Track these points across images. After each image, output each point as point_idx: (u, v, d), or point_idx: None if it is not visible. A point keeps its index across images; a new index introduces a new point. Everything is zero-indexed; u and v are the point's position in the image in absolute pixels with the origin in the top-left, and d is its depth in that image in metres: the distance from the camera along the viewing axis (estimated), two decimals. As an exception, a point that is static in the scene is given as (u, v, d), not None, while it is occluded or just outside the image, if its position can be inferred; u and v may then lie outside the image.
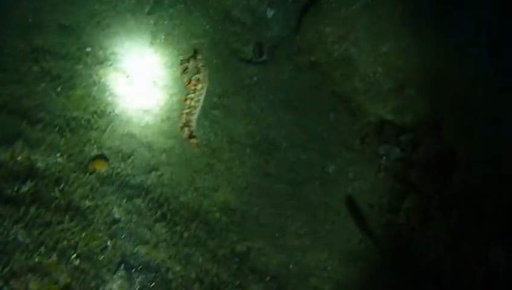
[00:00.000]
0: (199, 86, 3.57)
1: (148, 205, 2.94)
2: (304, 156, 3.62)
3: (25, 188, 2.55)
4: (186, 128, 3.28)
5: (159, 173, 3.21)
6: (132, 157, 3.20)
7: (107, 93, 3.66)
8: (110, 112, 3.46)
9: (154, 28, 4.31)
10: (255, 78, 3.98)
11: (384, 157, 3.41)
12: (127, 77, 3.88)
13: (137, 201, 2.88)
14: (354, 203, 3.28)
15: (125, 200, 2.84)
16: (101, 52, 4.02)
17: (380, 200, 3.53)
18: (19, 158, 2.69)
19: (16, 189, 2.55)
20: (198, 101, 3.45)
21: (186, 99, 3.51)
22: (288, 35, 4.27)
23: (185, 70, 3.66)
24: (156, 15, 4.39)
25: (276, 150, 3.58)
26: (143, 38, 4.24)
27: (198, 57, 3.78)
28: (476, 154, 2.68)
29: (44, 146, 2.93)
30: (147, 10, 4.41)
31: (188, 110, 3.40)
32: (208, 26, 4.29)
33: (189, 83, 3.62)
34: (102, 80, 3.78)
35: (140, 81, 3.91)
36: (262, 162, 3.50)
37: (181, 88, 3.78)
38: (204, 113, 3.65)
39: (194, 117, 3.38)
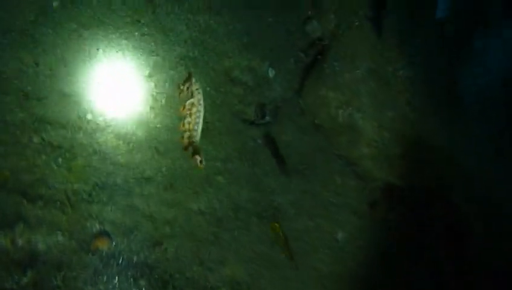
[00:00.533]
0: (194, 110, 3.50)
1: (152, 285, 2.82)
2: (312, 224, 3.54)
3: (25, 279, 2.43)
4: (190, 148, 3.17)
5: (163, 247, 3.10)
6: (135, 231, 3.10)
7: (108, 162, 3.60)
8: (111, 183, 3.38)
9: (155, 90, 4.30)
10: (259, 141, 3.95)
11: (394, 224, 3.34)
12: (128, 143, 3.82)
13: (142, 282, 2.76)
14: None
15: (129, 283, 2.71)
16: (101, 119, 3.98)
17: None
18: (20, 243, 2.59)
19: (16, 280, 2.43)
20: (196, 124, 3.37)
21: (183, 124, 3.43)
22: (290, 96, 4.29)
23: (180, 94, 3.59)
24: (156, 77, 4.39)
25: (282, 217, 3.50)
26: (144, 102, 4.22)
27: (193, 80, 3.73)
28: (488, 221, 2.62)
29: (46, 225, 2.83)
30: (147, 73, 4.41)
31: (188, 134, 3.31)
32: (209, 88, 4.30)
33: (183, 108, 3.52)
34: (103, 148, 3.71)
35: (141, 147, 3.85)
36: (268, 230, 3.41)
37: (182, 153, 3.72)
38: (208, 180, 3.59)
39: (196, 135, 3.25)
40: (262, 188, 3.69)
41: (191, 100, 3.62)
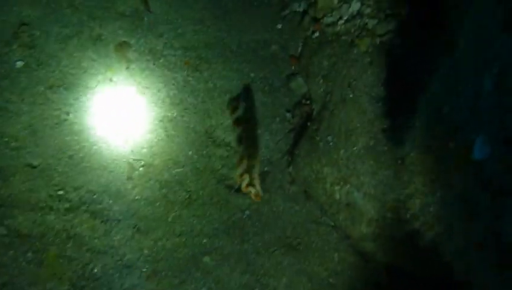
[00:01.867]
0: (251, 124, 3.30)
1: None
2: (311, 311, 3.32)
3: None
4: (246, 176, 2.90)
5: None
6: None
7: (84, 249, 3.30)
8: (88, 275, 3.08)
9: (132, 157, 4.02)
10: (247, 212, 3.72)
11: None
12: (105, 222, 3.53)
13: None
14: None
15: None
16: (74, 195, 3.68)
17: None
18: None
19: None
20: (254, 139, 3.12)
21: (240, 139, 3.11)
22: (278, 160, 4.10)
23: (234, 110, 3.35)
24: (133, 142, 4.12)
25: (278, 303, 3.28)
26: (120, 171, 3.93)
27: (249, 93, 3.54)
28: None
29: None
30: (123, 137, 4.13)
31: (246, 153, 3.00)
32: (190, 152, 4.07)
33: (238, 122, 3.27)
34: (78, 231, 3.41)
35: (120, 226, 3.56)
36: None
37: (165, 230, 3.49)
38: (195, 262, 3.34)
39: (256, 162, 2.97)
40: (253, 269, 3.45)
41: (241, 134, 3.35)
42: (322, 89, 3.76)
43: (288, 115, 4.34)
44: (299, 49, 4.39)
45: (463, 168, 1.61)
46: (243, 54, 4.54)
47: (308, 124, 3.86)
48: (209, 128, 4.32)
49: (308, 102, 4.20)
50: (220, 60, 4.48)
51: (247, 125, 3.38)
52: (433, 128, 2.01)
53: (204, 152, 4.23)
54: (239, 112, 3.48)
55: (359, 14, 3.57)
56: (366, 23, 3.45)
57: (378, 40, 3.35)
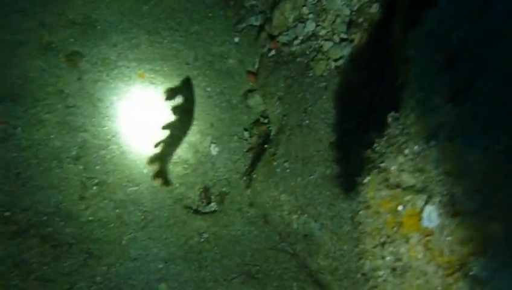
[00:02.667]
0: (186, 117, 3.32)
1: None
2: None
3: None
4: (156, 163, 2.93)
5: None
6: None
7: (32, 277, 3.19)
8: (38, 307, 2.99)
9: (85, 175, 3.89)
10: (205, 235, 3.69)
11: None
12: (55, 247, 3.41)
13: None
14: None
15: None
16: (22, 216, 3.54)
17: None
18: None
19: None
20: (182, 132, 3.13)
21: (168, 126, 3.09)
22: (236, 180, 4.07)
23: (169, 97, 3.33)
24: (86, 159, 3.98)
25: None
26: (71, 190, 3.80)
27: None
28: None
29: None
30: (74, 154, 3.98)
31: (167, 141, 3.01)
32: (146, 170, 3.95)
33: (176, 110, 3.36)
34: (26, 257, 3.27)
35: (71, 251, 3.45)
36: None
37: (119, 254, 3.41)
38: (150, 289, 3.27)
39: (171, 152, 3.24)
40: (212, 298, 3.43)
41: (173, 122, 3.30)
42: (278, 111, 3.76)
43: (246, 133, 4.33)
44: (256, 65, 4.36)
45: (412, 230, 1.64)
46: (199, 67, 4.46)
47: (266, 145, 3.84)
48: (165, 144, 4.23)
49: (266, 121, 4.19)
50: (175, 74, 4.38)
51: (181, 116, 3.36)
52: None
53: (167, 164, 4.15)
54: (177, 101, 3.45)
55: (314, 35, 3.58)
56: (321, 46, 3.47)
57: (333, 65, 3.38)
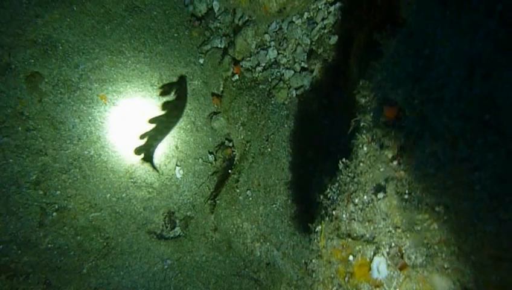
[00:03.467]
0: (174, 113, 3.30)
1: None
2: None
3: None
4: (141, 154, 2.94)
5: None
6: None
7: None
8: None
9: (45, 201, 3.77)
10: (169, 262, 3.62)
11: None
12: (11, 278, 3.28)
13: None
14: None
15: None
16: (-21, 246, 3.39)
17: None
18: None
19: None
20: (167, 128, 3.12)
21: (155, 120, 3.35)
22: (201, 204, 4.02)
23: (163, 93, 3.64)
24: (46, 184, 3.86)
25: None
26: (30, 217, 3.67)
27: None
28: None
29: None
30: (34, 178, 3.86)
31: (151, 134, 3.26)
32: (109, 195, 3.89)
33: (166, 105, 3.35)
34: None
35: (28, 281, 3.33)
36: None
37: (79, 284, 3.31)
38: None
39: (155, 144, 3.23)
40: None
41: (160, 116, 3.24)
42: (242, 136, 3.75)
43: (211, 157, 4.30)
44: (221, 88, 4.33)
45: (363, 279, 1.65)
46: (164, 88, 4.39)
47: (230, 171, 3.81)
48: (129, 168, 4.16)
49: (231, 144, 4.16)
50: (140, 95, 4.30)
51: (169, 112, 3.34)
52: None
53: (124, 194, 4.07)
54: (170, 96, 3.46)
55: (276, 63, 3.59)
56: (283, 74, 3.48)
57: (294, 93, 3.39)
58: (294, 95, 3.40)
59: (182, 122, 4.41)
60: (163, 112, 3.51)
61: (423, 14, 1.59)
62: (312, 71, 3.30)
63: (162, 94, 3.79)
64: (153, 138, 3.24)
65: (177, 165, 4.27)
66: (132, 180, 4.15)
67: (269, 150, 3.32)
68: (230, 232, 3.48)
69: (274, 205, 3.19)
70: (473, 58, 1.36)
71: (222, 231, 3.62)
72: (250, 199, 3.35)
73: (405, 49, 1.61)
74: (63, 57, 4.30)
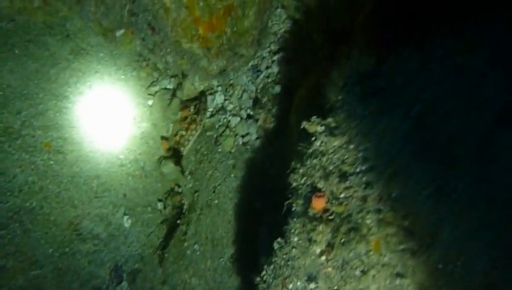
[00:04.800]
0: (193, 126, 2.97)
1: None
2: None
3: None
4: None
5: None
6: None
7: None
8: None
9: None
10: (114, 321, 3.35)
11: None
12: None
13: None
14: None
15: None
16: None
17: None
18: None
19: None
20: (188, 141, 3.26)
21: (176, 135, 3.30)
22: (149, 255, 3.77)
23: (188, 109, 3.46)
24: (-18, 241, 3.53)
25: None
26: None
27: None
28: None
29: None
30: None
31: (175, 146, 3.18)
32: (51, 250, 3.59)
33: (184, 120, 3.12)
34: None
35: None
36: None
37: None
38: None
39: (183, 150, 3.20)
40: None
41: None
42: (190, 185, 3.58)
43: (160, 204, 4.07)
44: (170, 131, 4.15)
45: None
46: (111, 133, 4.17)
47: (179, 221, 3.60)
48: (74, 219, 3.89)
49: (180, 190, 3.95)
50: (86, 141, 4.06)
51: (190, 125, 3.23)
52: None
53: (68, 249, 3.79)
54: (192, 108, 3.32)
55: (223, 109, 3.46)
56: (229, 121, 3.34)
57: (240, 141, 3.26)
58: (241, 143, 3.28)
59: (130, 168, 4.19)
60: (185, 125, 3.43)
61: (347, 108, 1.57)
62: (257, 120, 3.18)
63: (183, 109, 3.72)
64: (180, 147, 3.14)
65: (125, 214, 4.03)
66: (77, 232, 3.88)
67: (216, 201, 3.16)
68: (179, 287, 3.25)
69: (221, 259, 3.01)
70: (393, 159, 1.34)
71: (170, 285, 3.40)
72: (198, 253, 3.16)
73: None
74: (4, 103, 4.04)
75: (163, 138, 4.30)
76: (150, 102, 4.33)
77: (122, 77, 4.35)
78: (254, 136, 3.20)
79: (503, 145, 1.27)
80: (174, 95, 4.11)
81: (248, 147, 3.22)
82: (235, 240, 3.06)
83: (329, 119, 1.64)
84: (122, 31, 3.25)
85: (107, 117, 4.26)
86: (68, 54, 4.23)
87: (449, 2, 1.98)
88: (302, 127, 1.71)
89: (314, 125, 1.66)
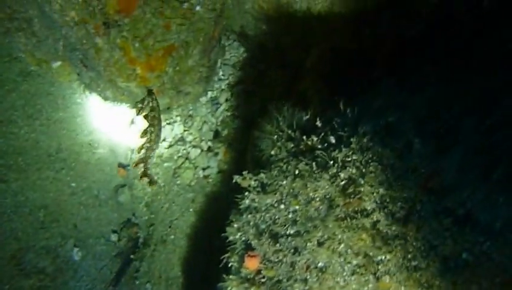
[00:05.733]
0: (156, 122, 2.90)
1: None
2: None
3: None
4: (141, 165, 2.78)
5: None
6: None
7: None
8: None
9: None
10: None
11: None
12: None
13: None
14: None
15: None
16: None
17: None
18: None
19: None
20: (157, 136, 2.88)
21: (145, 132, 2.85)
22: (103, 291, 3.46)
23: (139, 111, 2.86)
24: None
25: None
26: None
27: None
28: None
29: None
30: None
31: (147, 145, 2.84)
32: (-5, 290, 3.20)
33: (141, 148, 2.83)
34: None
35: None
36: None
37: None
38: None
39: (152, 154, 2.89)
40: None
41: (153, 113, 2.84)
42: (146, 218, 3.37)
43: (114, 236, 3.78)
44: (129, 158, 3.91)
45: None
46: (63, 159, 3.88)
47: (132, 256, 3.35)
48: (17, 252, 3.54)
49: (137, 221, 3.69)
50: (34, 168, 3.75)
51: (152, 122, 2.99)
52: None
53: (8, 286, 3.42)
54: (146, 110, 3.06)
55: (182, 139, 3.28)
56: (189, 152, 3.17)
57: (201, 174, 3.08)
58: (202, 176, 3.10)
59: (82, 197, 3.90)
60: (148, 124, 3.14)
61: (279, 165, 1.53)
62: (217, 154, 3.03)
63: (138, 112, 3.42)
64: (149, 150, 2.86)
65: (75, 246, 3.72)
66: (19, 267, 3.52)
67: (172, 237, 2.96)
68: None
69: (175, 303, 2.79)
70: (320, 225, 1.37)
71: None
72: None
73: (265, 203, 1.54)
74: None
75: (120, 165, 4.04)
76: (109, 127, 4.06)
77: (79, 100, 4.07)
78: (215, 170, 3.04)
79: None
80: (132, 121, 3.89)
81: (210, 180, 3.05)
82: (191, 280, 2.84)
83: (262, 175, 1.59)
84: (58, 63, 3.05)
85: (58, 142, 3.96)
86: (16, 76, 3.92)
87: (386, 60, 2.01)
88: (234, 181, 1.67)
89: (246, 181, 1.61)
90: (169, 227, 3.03)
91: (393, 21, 2.07)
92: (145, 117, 3.49)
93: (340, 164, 1.40)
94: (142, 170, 2.98)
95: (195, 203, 3.04)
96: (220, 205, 2.94)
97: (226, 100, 3.17)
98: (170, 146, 3.39)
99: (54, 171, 3.89)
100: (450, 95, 1.49)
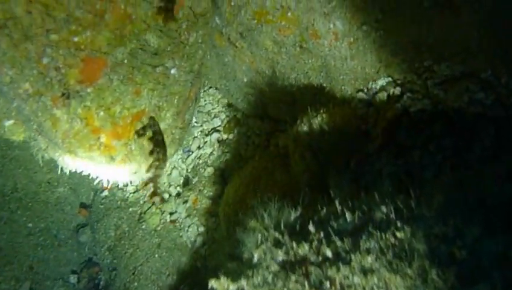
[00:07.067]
0: (161, 144, 2.69)
1: None
2: None
3: None
4: (151, 184, 2.46)
5: None
6: None
7: None
8: None
9: None
10: None
11: None
12: None
13: None
14: None
15: None
16: None
17: None
18: None
19: None
20: (164, 154, 2.61)
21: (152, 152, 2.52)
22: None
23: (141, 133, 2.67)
24: None
25: None
26: None
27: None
28: None
29: None
30: None
31: (156, 164, 2.51)
32: None
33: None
34: None
35: None
36: None
37: None
38: None
39: (161, 173, 2.60)
40: None
41: (153, 148, 2.63)
42: (108, 261, 3.26)
43: (73, 277, 3.61)
44: (91, 198, 3.78)
45: None
46: (19, 199, 3.67)
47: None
48: None
49: (98, 261, 3.55)
50: (-13, 205, 3.52)
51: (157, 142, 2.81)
52: None
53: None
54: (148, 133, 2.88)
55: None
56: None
57: (168, 218, 3.05)
58: (168, 221, 3.06)
59: (40, 237, 3.70)
60: (154, 144, 2.96)
61: (263, 273, 1.39)
62: (186, 201, 3.01)
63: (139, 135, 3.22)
64: (158, 168, 2.67)
65: (31, 289, 3.51)
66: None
67: (136, 284, 2.88)
68: None
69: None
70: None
71: None
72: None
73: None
74: None
75: (82, 204, 3.87)
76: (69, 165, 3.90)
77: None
78: (183, 215, 3.01)
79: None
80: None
81: (176, 224, 3.02)
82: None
83: (243, 282, 1.36)
84: (11, 122, 2.83)
85: (14, 181, 3.75)
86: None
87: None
88: (210, 286, 1.41)
89: (223, 288, 1.38)
90: (133, 274, 2.94)
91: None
92: (150, 140, 3.39)
93: (339, 287, 1.20)
94: (152, 189, 2.85)
95: (161, 248, 2.99)
96: (188, 249, 2.91)
97: (199, 148, 3.17)
98: (137, 190, 3.34)
99: (9, 212, 3.67)
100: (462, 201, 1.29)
